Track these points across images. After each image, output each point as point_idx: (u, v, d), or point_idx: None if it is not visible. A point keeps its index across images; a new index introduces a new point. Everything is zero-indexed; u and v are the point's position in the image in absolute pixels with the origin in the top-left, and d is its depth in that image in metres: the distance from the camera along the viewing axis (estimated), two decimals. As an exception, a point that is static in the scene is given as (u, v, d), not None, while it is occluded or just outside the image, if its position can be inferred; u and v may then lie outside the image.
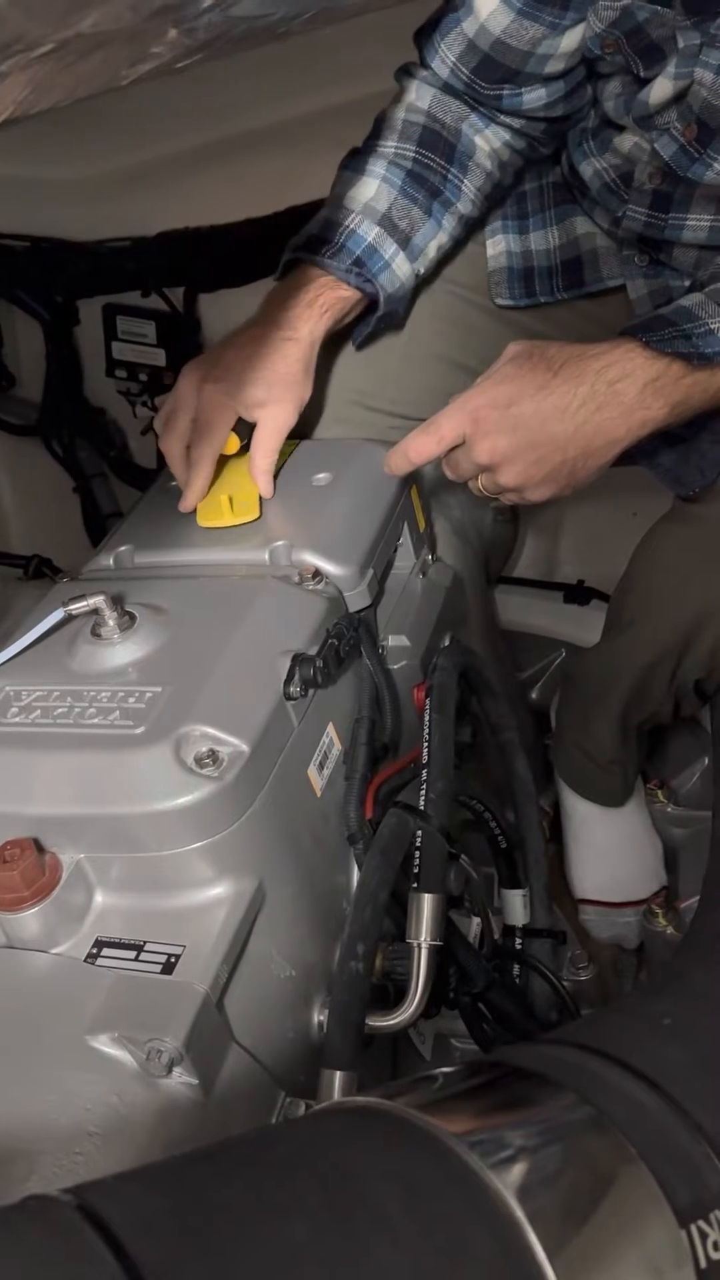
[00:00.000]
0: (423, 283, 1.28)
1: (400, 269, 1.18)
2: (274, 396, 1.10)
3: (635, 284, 1.27)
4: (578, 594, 1.63)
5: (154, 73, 0.81)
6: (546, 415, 0.98)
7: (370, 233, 1.16)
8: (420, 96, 1.19)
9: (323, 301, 1.14)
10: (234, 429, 1.11)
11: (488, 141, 1.21)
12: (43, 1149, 0.64)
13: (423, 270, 1.22)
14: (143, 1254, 0.39)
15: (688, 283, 1.22)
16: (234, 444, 1.11)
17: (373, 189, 1.18)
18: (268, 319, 1.14)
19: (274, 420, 1.10)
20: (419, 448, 1.01)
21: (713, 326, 0.99)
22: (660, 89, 1.05)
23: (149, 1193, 0.43)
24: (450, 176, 1.20)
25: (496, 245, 1.30)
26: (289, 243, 1.19)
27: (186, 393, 1.11)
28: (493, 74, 1.14)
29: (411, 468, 1.04)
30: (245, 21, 0.81)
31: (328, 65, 1.52)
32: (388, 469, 1.05)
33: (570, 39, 1.10)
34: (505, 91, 1.15)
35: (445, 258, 1.28)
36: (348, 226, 1.16)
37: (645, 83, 1.08)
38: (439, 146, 1.19)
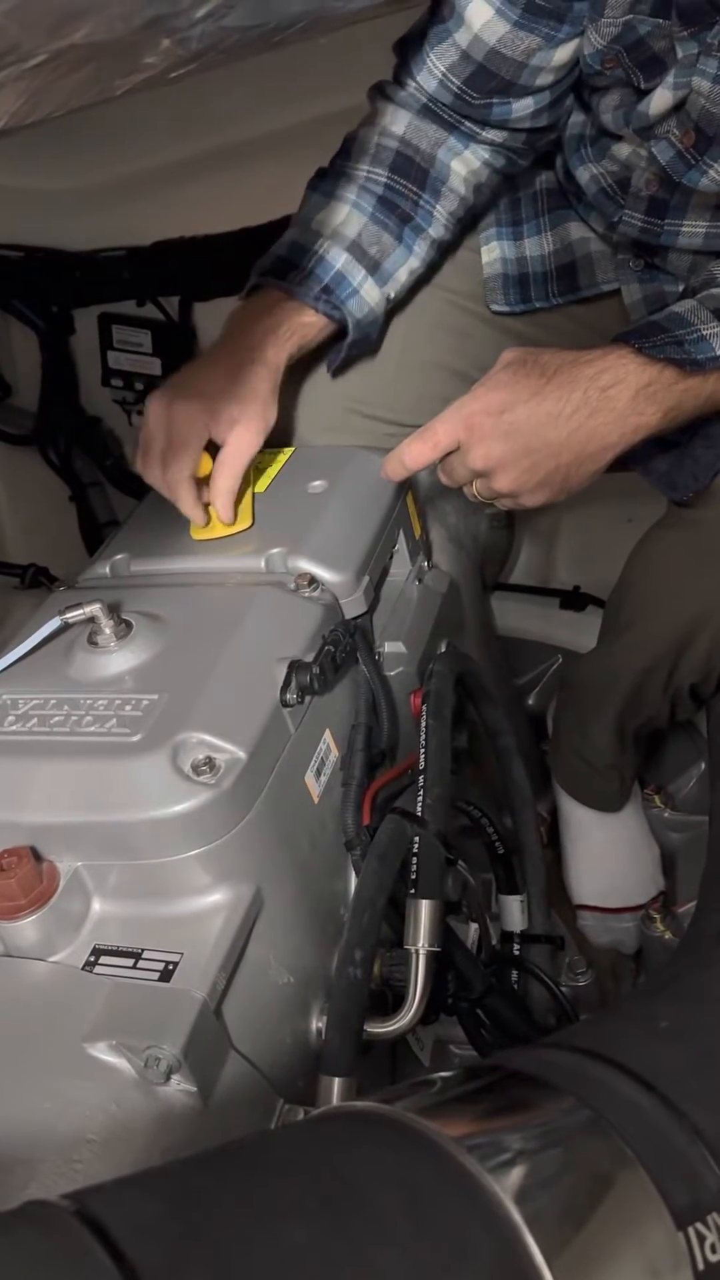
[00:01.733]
0: (417, 291, 1.28)
1: (369, 295, 1.18)
2: (244, 415, 1.09)
3: (630, 288, 1.27)
4: (574, 600, 1.64)
5: (148, 83, 0.81)
6: (540, 421, 0.98)
7: (339, 260, 1.16)
8: (395, 121, 1.19)
9: (287, 327, 1.13)
10: (206, 449, 1.10)
11: (465, 164, 1.20)
12: (42, 1156, 0.64)
13: (393, 294, 1.21)
14: (141, 1258, 0.39)
15: (682, 287, 1.23)
16: (208, 465, 1.10)
17: (342, 214, 1.18)
18: (233, 342, 1.13)
19: (240, 441, 1.08)
20: (415, 454, 1.01)
21: (705, 332, 1.00)
22: (660, 99, 1.05)
23: (147, 1197, 0.43)
24: (422, 203, 1.19)
25: (491, 252, 1.31)
26: (255, 265, 1.18)
27: (157, 417, 1.10)
28: (485, 84, 1.13)
29: (407, 473, 1.04)
30: (238, 31, 0.81)
31: (322, 74, 1.52)
32: (384, 474, 1.05)
33: (563, 53, 1.10)
34: (495, 102, 1.15)
35: (439, 266, 1.28)
36: (316, 252, 1.16)
37: (645, 94, 1.08)
38: (411, 173, 1.19)
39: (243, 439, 1.09)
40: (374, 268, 1.18)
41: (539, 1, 1.07)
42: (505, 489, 1.01)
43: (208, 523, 1.09)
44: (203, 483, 1.10)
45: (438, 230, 1.21)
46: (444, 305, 1.30)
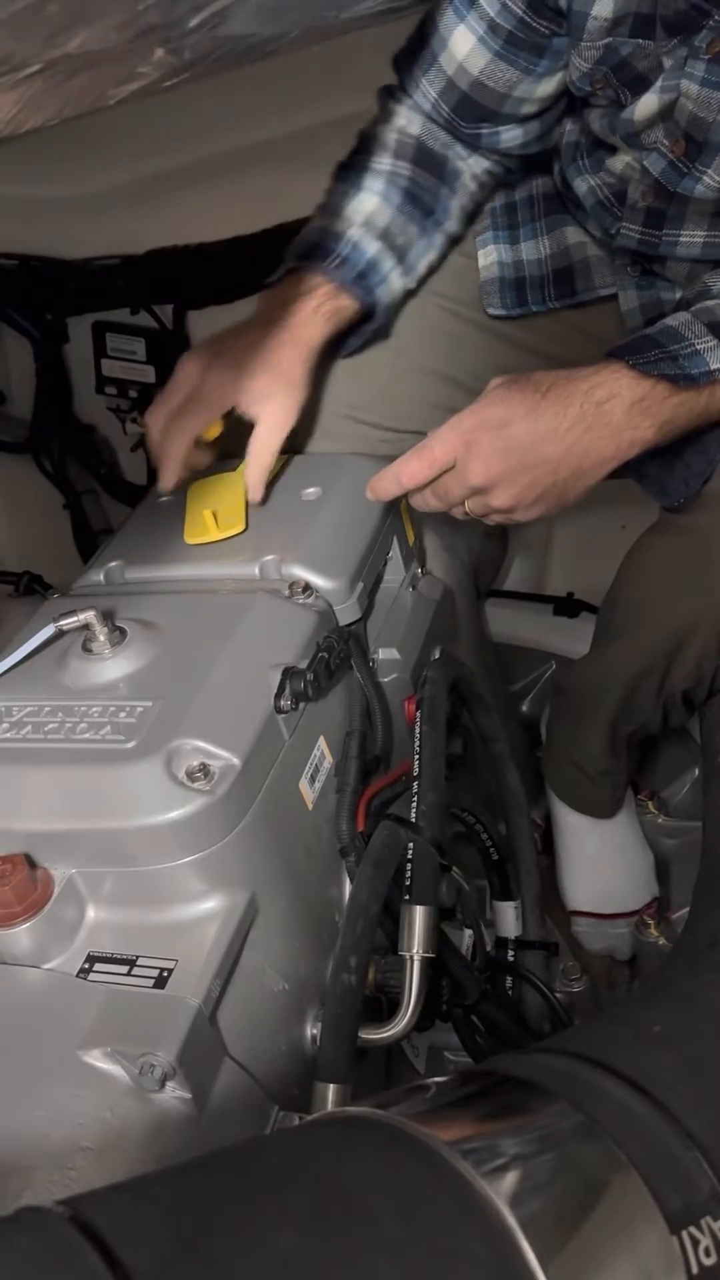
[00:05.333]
0: (411, 296, 1.29)
1: (395, 284, 1.21)
2: (277, 390, 1.10)
3: (627, 294, 1.28)
4: (567, 606, 1.64)
5: (142, 92, 0.82)
6: (539, 436, 0.98)
7: (372, 248, 1.18)
8: (410, 123, 1.22)
9: (326, 310, 1.15)
10: (224, 416, 1.10)
11: (470, 168, 1.24)
12: (36, 1164, 0.64)
13: (412, 285, 1.25)
14: (135, 1263, 0.39)
15: (679, 294, 1.23)
16: (216, 429, 1.10)
17: (373, 204, 1.20)
18: (270, 320, 1.14)
19: (274, 419, 1.10)
20: (411, 471, 1.01)
21: (698, 346, 1.00)
22: (645, 105, 1.06)
23: (141, 1203, 0.43)
24: (441, 196, 1.22)
25: (488, 255, 1.32)
26: (288, 249, 1.19)
27: (188, 373, 1.11)
28: (471, 113, 1.17)
29: (401, 492, 1.04)
30: (232, 41, 0.82)
31: (315, 83, 1.53)
32: (373, 494, 1.05)
33: (546, 86, 1.13)
34: (484, 130, 1.18)
35: (432, 272, 1.29)
36: (350, 239, 1.18)
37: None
38: (431, 167, 1.22)
39: (277, 416, 1.10)
40: (401, 257, 1.21)
41: (519, 34, 1.09)
42: (503, 505, 1.01)
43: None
44: (202, 446, 1.12)
45: (452, 224, 1.25)
46: (438, 311, 1.31)
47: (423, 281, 1.27)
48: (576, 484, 1.01)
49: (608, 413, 0.99)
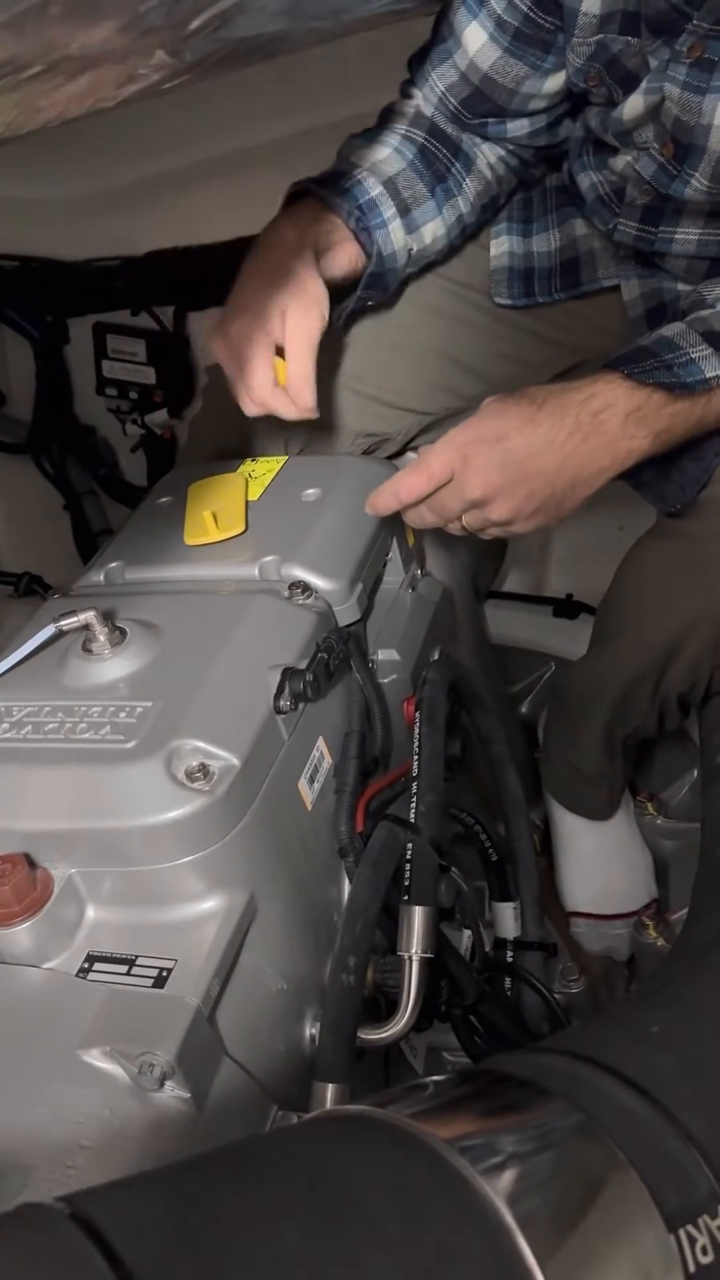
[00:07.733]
0: (418, 277, 1.29)
1: (396, 235, 1.18)
2: (293, 302, 1.07)
3: (629, 284, 1.29)
4: (567, 608, 1.64)
5: (142, 93, 0.82)
6: (536, 448, 0.99)
7: (374, 189, 1.17)
8: (425, 104, 1.21)
9: (318, 231, 1.13)
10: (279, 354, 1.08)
11: (484, 155, 1.23)
12: (35, 1163, 0.64)
13: (415, 250, 1.22)
14: (136, 1260, 0.39)
15: (679, 285, 1.25)
16: (283, 370, 1.08)
17: (383, 154, 1.19)
18: (268, 249, 1.12)
19: (298, 325, 1.07)
20: (408, 486, 1.01)
21: (694, 355, 1.01)
22: (632, 105, 1.07)
23: (141, 1199, 0.44)
24: (454, 170, 1.21)
25: (500, 245, 1.32)
26: (291, 184, 1.18)
27: (222, 349, 1.09)
28: (479, 106, 1.17)
29: (399, 507, 1.04)
30: (232, 43, 0.82)
31: (317, 84, 1.53)
32: (372, 509, 1.05)
33: (553, 82, 1.14)
34: (490, 121, 1.19)
35: (443, 258, 1.29)
36: (354, 177, 1.17)
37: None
38: (446, 142, 1.21)
39: (300, 323, 1.07)
40: (404, 210, 1.18)
41: (526, 30, 1.10)
42: (500, 517, 1.01)
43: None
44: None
45: (464, 204, 1.23)
46: (444, 293, 1.31)
47: (432, 259, 1.26)
48: (574, 494, 1.01)
49: (604, 423, 0.99)
